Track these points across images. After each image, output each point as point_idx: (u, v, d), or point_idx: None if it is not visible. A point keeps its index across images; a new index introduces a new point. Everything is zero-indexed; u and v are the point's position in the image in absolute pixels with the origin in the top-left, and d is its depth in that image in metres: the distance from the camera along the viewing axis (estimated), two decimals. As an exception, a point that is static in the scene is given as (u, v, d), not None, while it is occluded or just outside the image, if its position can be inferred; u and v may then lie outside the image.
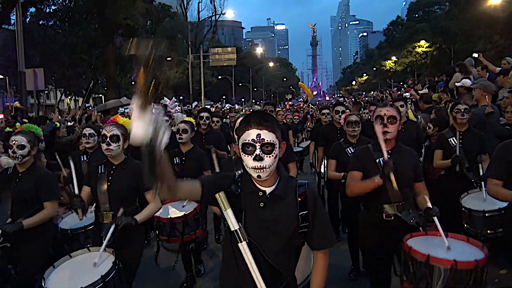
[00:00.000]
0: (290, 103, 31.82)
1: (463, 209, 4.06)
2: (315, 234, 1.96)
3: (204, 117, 5.88)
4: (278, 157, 1.88)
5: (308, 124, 14.00)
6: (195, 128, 5.12)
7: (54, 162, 4.83)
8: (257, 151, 1.81)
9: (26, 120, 5.86)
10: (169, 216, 3.99)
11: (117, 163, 3.23)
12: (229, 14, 46.80)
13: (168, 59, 37.63)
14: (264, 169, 1.81)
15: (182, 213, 4.00)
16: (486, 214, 3.79)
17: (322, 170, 6.32)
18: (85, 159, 4.63)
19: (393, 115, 3.02)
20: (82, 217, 3.91)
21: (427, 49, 46.65)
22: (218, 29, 64.38)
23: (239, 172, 1.98)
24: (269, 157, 1.82)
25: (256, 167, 1.81)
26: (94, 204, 3.33)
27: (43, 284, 2.67)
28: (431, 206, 2.91)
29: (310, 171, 9.85)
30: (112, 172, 3.20)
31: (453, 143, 4.50)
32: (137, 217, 3.10)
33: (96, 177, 3.21)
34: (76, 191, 4.09)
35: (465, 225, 4.03)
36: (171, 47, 35.50)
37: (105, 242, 2.89)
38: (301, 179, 2.08)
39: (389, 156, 2.94)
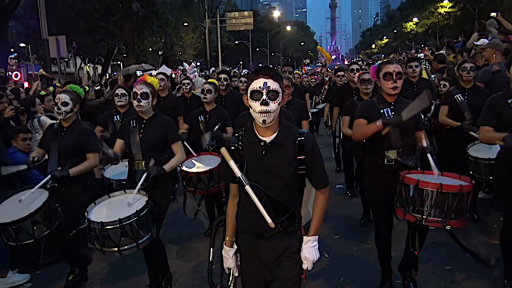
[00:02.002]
0: (307, 68, 31.42)
1: (469, 157, 4.38)
2: (313, 177, 2.28)
3: (222, 79, 6.10)
4: (281, 105, 2.17)
5: (326, 87, 14.09)
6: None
7: (87, 122, 5.23)
8: (264, 97, 2.10)
9: (59, 84, 6.23)
10: (196, 171, 4.40)
11: (147, 118, 3.58)
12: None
13: (184, 24, 37.29)
14: (269, 113, 2.10)
15: (207, 168, 4.39)
16: (491, 162, 4.07)
17: (337, 129, 6.59)
18: (118, 118, 5.06)
19: (400, 71, 3.27)
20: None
21: (450, 10, 44.91)
22: (235, -8, 63.24)
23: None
24: (274, 103, 2.11)
25: (262, 111, 2.09)
26: (128, 159, 3.72)
27: (86, 215, 3.13)
28: (425, 145, 3.22)
29: (326, 133, 10.13)
30: (143, 125, 3.55)
31: (459, 99, 4.73)
32: (165, 166, 3.48)
33: (129, 130, 3.57)
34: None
35: (471, 172, 4.35)
36: (188, 11, 35.29)
37: (138, 186, 3.29)
38: (317, 140, 2.37)
39: (393, 112, 3.23)
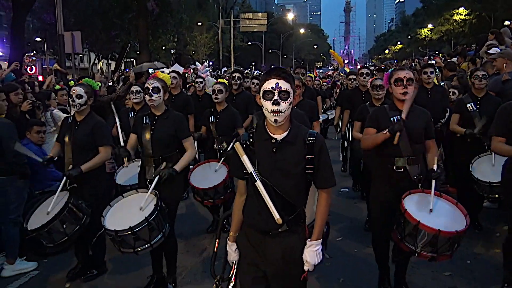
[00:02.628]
0: (319, 71, 31.38)
1: (472, 176, 4.40)
2: (319, 176, 2.32)
3: (236, 77, 6.13)
4: (292, 106, 2.24)
5: (337, 90, 14.10)
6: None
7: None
8: (275, 97, 2.18)
9: (73, 82, 6.36)
10: (202, 187, 4.56)
11: (159, 114, 3.65)
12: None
13: (198, 24, 37.39)
14: (281, 113, 2.18)
15: (213, 185, 4.52)
16: (493, 185, 4.14)
17: (346, 132, 6.63)
18: (132, 115, 5.16)
19: (411, 78, 3.31)
20: (127, 165, 4.55)
21: (466, 17, 44.58)
22: (249, -6, 63.42)
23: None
24: (285, 103, 2.18)
25: (274, 111, 2.17)
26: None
27: (102, 222, 3.32)
28: (435, 169, 3.24)
29: (334, 138, 10.17)
30: (154, 122, 3.62)
31: (471, 108, 4.74)
32: (176, 167, 3.54)
33: (142, 126, 3.64)
34: (122, 143, 4.67)
35: (475, 186, 4.38)
36: (202, 11, 35.51)
37: (150, 190, 3.39)
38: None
39: (400, 117, 3.25)
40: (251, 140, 2.31)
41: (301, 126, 2.36)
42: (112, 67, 37.14)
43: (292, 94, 2.22)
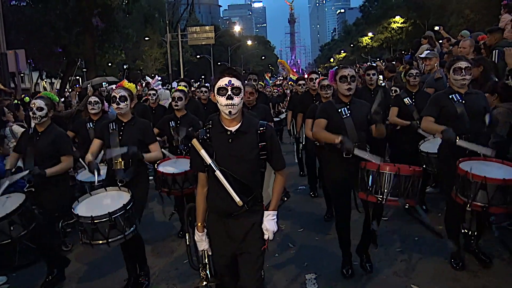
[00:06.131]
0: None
1: (421, 153, 4.94)
2: (273, 160, 2.68)
3: (203, 91, 7.29)
4: (243, 100, 2.56)
5: (288, 99, 14.64)
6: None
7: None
8: (229, 92, 2.49)
9: (28, 98, 6.32)
10: (171, 172, 4.62)
11: (126, 121, 3.86)
12: (206, -8, 46.16)
13: (146, 38, 36.79)
14: (234, 106, 2.49)
15: (183, 170, 4.59)
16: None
17: (301, 134, 6.99)
18: (91, 126, 5.29)
19: (354, 75, 3.74)
20: (97, 177, 4.39)
21: (402, 25, 47.50)
22: (195, 8, 63.59)
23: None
24: (237, 97, 2.50)
25: (228, 104, 2.48)
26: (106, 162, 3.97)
27: (73, 211, 3.35)
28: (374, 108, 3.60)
29: (289, 142, 10.61)
30: (122, 128, 3.83)
31: (408, 102, 5.33)
32: (144, 154, 3.77)
33: (108, 132, 3.82)
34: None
35: (423, 166, 4.87)
36: (150, 26, 35.28)
37: (117, 152, 3.62)
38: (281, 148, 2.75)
39: (349, 111, 3.68)
40: (208, 135, 2.59)
41: (253, 118, 2.70)
42: (57, 85, 35.90)
43: (242, 90, 2.55)
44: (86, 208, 3.44)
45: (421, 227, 4.81)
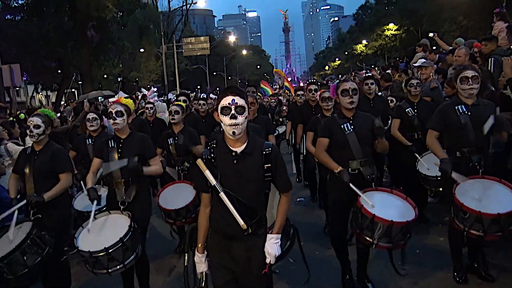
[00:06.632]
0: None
1: (420, 174, 4.87)
2: (279, 181, 2.62)
3: (202, 104, 7.53)
4: (248, 119, 2.50)
5: (284, 108, 14.65)
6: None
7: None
8: (233, 111, 2.43)
9: (23, 115, 6.27)
10: (174, 208, 4.58)
11: (124, 137, 3.80)
12: (201, 3, 46.36)
13: (141, 50, 36.94)
14: (238, 126, 2.42)
15: (184, 204, 4.56)
16: (438, 178, 4.59)
17: (301, 145, 6.95)
18: (90, 142, 5.25)
19: (355, 88, 3.70)
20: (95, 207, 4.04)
21: (396, 32, 47.87)
22: (190, 18, 63.76)
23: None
24: (241, 116, 2.44)
25: (232, 124, 2.42)
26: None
27: (75, 243, 3.34)
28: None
29: (286, 152, 10.59)
30: (120, 145, 3.77)
31: (411, 112, 5.26)
32: (144, 168, 3.69)
33: (107, 150, 3.77)
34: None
35: (421, 183, 4.88)
36: (145, 37, 35.35)
37: (115, 166, 3.56)
38: None
39: (352, 126, 3.63)
40: (212, 155, 2.53)
41: (258, 138, 2.64)
42: (52, 98, 35.85)
43: (247, 109, 2.49)
44: (87, 238, 3.41)
45: (422, 240, 4.76)
